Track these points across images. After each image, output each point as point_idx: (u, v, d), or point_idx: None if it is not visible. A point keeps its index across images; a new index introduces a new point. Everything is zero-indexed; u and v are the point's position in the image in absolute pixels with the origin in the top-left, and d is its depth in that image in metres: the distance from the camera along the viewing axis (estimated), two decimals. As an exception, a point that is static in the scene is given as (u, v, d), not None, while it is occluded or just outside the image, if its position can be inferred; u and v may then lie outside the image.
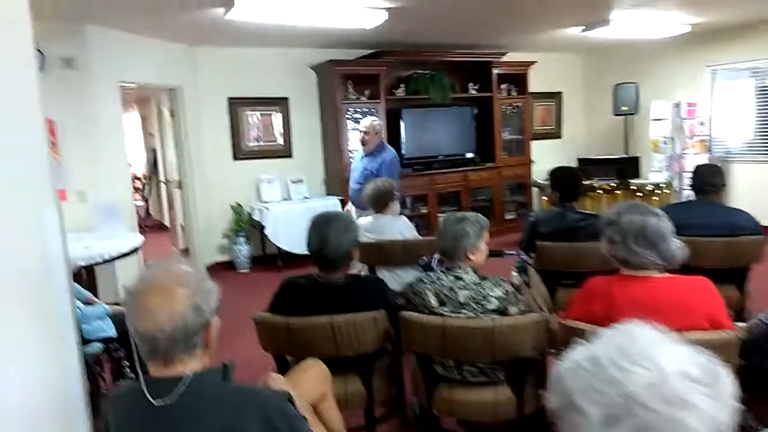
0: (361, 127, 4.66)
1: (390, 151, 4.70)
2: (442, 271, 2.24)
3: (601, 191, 6.26)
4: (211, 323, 1.27)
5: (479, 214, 2.42)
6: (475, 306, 2.14)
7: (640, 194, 6.13)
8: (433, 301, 2.17)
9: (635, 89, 6.88)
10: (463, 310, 2.14)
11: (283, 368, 2.31)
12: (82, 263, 3.47)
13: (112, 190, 4.64)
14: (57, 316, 1.45)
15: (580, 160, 7.00)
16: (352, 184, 4.69)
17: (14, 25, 1.44)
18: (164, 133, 6.05)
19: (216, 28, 4.86)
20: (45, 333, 1.45)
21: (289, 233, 5.59)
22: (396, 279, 3.56)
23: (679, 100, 6.54)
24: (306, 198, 6.19)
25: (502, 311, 2.16)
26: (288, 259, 5.77)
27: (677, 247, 1.83)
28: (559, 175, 3.38)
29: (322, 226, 2.24)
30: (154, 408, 1.18)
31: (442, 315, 2.13)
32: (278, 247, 5.79)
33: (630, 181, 6.29)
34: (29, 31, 1.50)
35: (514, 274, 2.85)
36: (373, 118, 4.91)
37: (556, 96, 8.01)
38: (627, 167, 6.59)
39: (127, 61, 4.89)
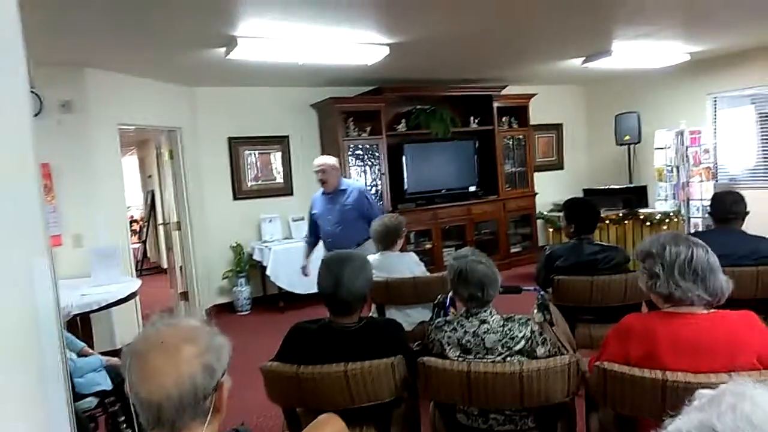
0: (315, 167, 4.05)
1: (355, 184, 4.34)
2: (462, 315, 2.09)
3: (608, 221, 6.14)
4: (223, 384, 1.12)
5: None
6: (501, 350, 1.99)
7: (649, 223, 6.01)
8: (455, 353, 2.02)
9: (637, 118, 6.85)
10: (489, 356, 1.99)
11: (293, 422, 2.14)
12: (77, 311, 3.32)
13: (109, 234, 4.51)
14: (45, 377, 1.30)
15: (586, 191, 6.90)
16: (327, 228, 4.11)
17: (7, 70, 1.33)
18: (163, 174, 5.95)
19: (216, 68, 4.83)
20: (32, 395, 1.29)
21: (290, 273, 5.43)
22: (406, 319, 3.40)
23: (681, 128, 6.50)
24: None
25: (528, 353, 2.01)
26: (289, 299, 5.60)
27: (725, 280, 1.69)
28: (575, 206, 3.26)
29: (335, 267, 2.10)
30: None
31: (466, 361, 1.97)
32: (279, 287, 5.62)
33: (638, 210, 6.18)
34: (23, 76, 1.40)
35: (535, 311, 2.69)
36: (326, 156, 4.30)
37: (557, 127, 8.00)
38: (634, 197, 6.48)
39: (126, 104, 4.83)
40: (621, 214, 6.18)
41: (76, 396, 2.52)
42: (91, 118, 4.49)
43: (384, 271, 3.41)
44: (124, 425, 2.62)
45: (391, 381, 2.03)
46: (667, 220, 6.04)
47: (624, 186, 6.88)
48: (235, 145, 5.93)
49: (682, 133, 6.49)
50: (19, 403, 1.29)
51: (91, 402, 2.54)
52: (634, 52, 5.55)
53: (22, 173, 1.33)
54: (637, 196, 6.57)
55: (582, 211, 3.22)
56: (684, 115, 6.71)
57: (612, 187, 6.88)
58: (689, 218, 6.45)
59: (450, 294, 2.64)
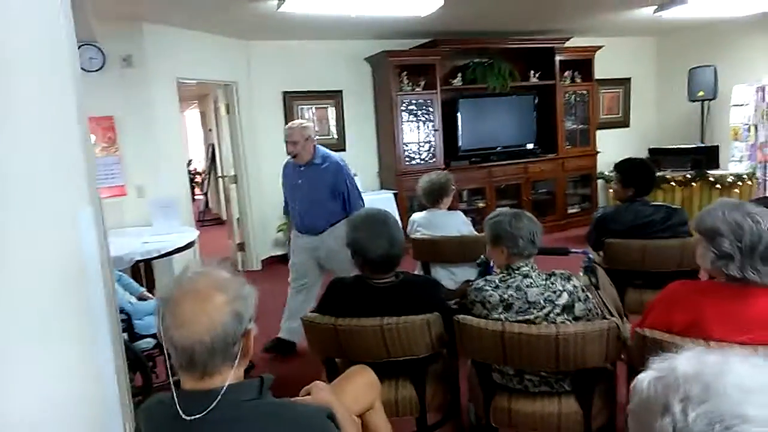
0: (285, 135, 3.38)
1: (334, 156, 3.52)
2: (504, 272, 2.06)
3: (674, 183, 5.82)
4: (250, 331, 1.17)
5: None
6: (544, 303, 1.97)
7: (719, 186, 5.66)
8: (497, 312, 2.01)
9: (713, 72, 6.34)
10: (532, 310, 1.97)
11: (332, 372, 2.21)
12: (139, 257, 3.52)
13: (170, 186, 4.71)
14: (92, 319, 1.39)
15: (651, 150, 6.54)
16: (295, 204, 3.56)
17: (52, 19, 1.37)
18: (221, 128, 6.10)
19: (269, 22, 4.83)
20: (78, 338, 1.39)
21: (343, 228, 5.50)
22: (451, 277, 3.40)
23: (763, 83, 5.98)
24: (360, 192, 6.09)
25: (570, 307, 1.98)
26: (342, 253, 5.70)
27: None
28: (630, 167, 3.10)
29: (380, 226, 2.09)
30: (185, 422, 1.09)
31: (503, 320, 1.96)
32: (332, 242, 5.72)
33: (708, 172, 5.81)
34: (69, 27, 1.44)
35: (581, 274, 2.63)
36: (299, 121, 3.59)
37: (624, 82, 7.55)
38: (704, 157, 6.09)
39: (183, 58, 4.94)
40: (689, 176, 5.85)
41: (136, 336, 2.71)
42: (151, 72, 4.63)
43: (430, 229, 3.40)
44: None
45: (427, 337, 2.05)
46: (739, 183, 5.66)
47: (694, 146, 6.46)
48: (290, 99, 5.97)
49: (763, 89, 5.98)
50: (68, 343, 1.39)
51: (149, 342, 2.71)
52: (712, -1, 5.10)
53: (66, 124, 1.39)
54: (708, 156, 6.17)
55: (639, 172, 3.06)
56: (767, 68, 6.16)
57: (681, 146, 6.48)
58: (766, 181, 6.01)
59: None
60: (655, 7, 5.38)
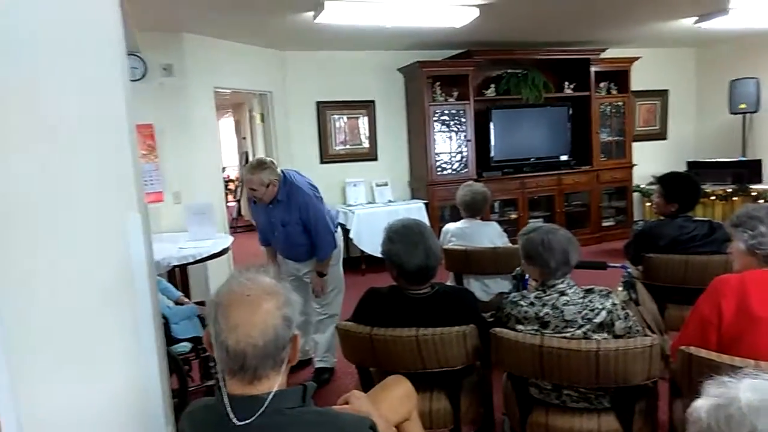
0: (246, 183, 3.08)
1: (301, 186, 3.13)
2: (539, 289, 2.03)
3: (714, 197, 5.66)
4: (296, 336, 1.18)
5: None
6: (582, 322, 1.92)
7: (762, 201, 5.48)
8: (533, 327, 1.97)
9: (756, 84, 6.18)
10: (569, 328, 1.93)
11: (366, 380, 2.21)
12: (176, 263, 3.58)
13: (205, 192, 4.79)
14: (138, 323, 1.42)
15: (690, 164, 6.38)
16: (271, 237, 3.30)
17: (104, 31, 1.42)
18: (255, 136, 6.20)
19: (305, 32, 4.90)
20: (125, 341, 1.42)
21: (372, 237, 5.51)
22: (484, 289, 3.38)
23: (809, 95, 5.80)
24: (390, 201, 6.12)
25: (609, 326, 1.93)
26: (371, 262, 5.70)
27: None
28: (675, 181, 3.01)
29: (416, 237, 2.06)
30: (233, 427, 1.09)
31: (540, 334, 1.93)
32: (362, 251, 5.74)
33: (750, 186, 5.63)
34: (119, 38, 1.48)
35: (620, 289, 2.57)
36: (259, 161, 3.11)
37: (662, 94, 7.40)
38: (746, 171, 5.92)
39: (221, 68, 5.04)
40: (729, 190, 5.68)
41: (172, 340, 2.75)
42: (190, 81, 4.74)
43: (465, 240, 3.39)
44: (214, 370, 2.82)
45: (462, 349, 2.03)
46: (783, 198, 5.48)
47: (735, 159, 6.29)
48: (323, 109, 6.03)
49: (809, 101, 5.79)
50: (116, 343, 1.43)
51: (185, 346, 2.75)
52: (755, 9, 4.96)
53: (117, 134, 1.43)
54: (750, 170, 5.99)
55: (684, 187, 2.98)
56: (813, 80, 5.97)
57: (721, 160, 6.31)
58: (811, 197, 5.80)
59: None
60: (696, 17, 5.27)
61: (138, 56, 4.48)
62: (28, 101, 1.33)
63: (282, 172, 3.12)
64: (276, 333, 1.11)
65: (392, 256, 2.06)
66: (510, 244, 3.50)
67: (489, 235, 3.43)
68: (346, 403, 1.46)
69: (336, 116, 6.10)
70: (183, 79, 4.69)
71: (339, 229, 3.40)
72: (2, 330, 1.31)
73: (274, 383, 1.13)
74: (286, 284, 1.21)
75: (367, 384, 2.15)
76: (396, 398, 1.74)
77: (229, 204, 9.98)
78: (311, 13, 4.27)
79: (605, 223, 6.88)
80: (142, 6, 3.74)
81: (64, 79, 1.36)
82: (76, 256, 1.36)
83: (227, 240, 4.15)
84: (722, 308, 1.74)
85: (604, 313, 1.94)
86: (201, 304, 3.23)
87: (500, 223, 3.80)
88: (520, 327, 2.01)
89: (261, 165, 3.02)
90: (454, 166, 6.20)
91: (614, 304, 1.97)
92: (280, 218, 3.11)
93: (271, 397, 1.10)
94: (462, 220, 3.49)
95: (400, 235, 2.08)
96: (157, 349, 1.50)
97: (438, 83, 6.05)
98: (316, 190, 3.20)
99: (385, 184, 6.22)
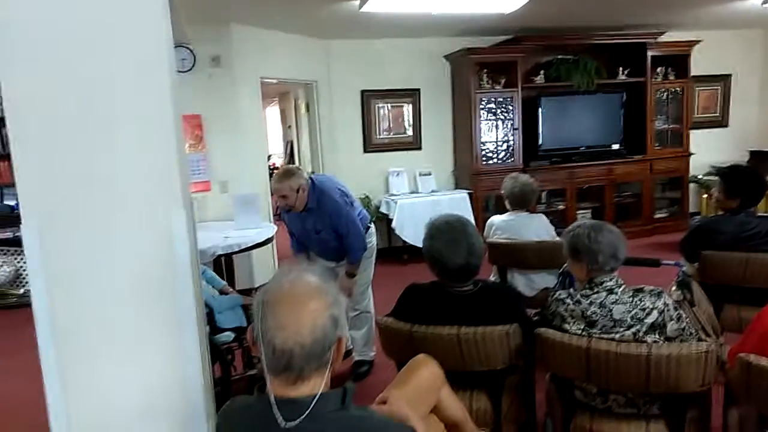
0: (276, 192, 3.04)
1: (330, 190, 3.09)
2: (586, 287, 1.95)
3: (778, 190, 5.33)
4: (342, 338, 1.17)
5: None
6: (631, 322, 1.84)
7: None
8: (579, 326, 1.90)
9: (829, 68, 5.76)
10: (618, 328, 1.85)
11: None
12: (221, 252, 3.65)
13: (251, 182, 4.87)
14: (181, 318, 1.44)
15: (753, 153, 6.04)
16: (315, 246, 3.28)
17: (151, 23, 1.43)
18: (300, 125, 6.25)
19: (350, 21, 4.87)
20: (168, 336, 1.45)
21: (415, 227, 5.48)
22: (529, 284, 3.30)
23: None
24: (434, 191, 6.05)
25: (660, 327, 1.84)
26: (413, 252, 5.67)
27: None
28: (737, 176, 2.84)
29: (459, 234, 2.01)
30: (275, 430, 1.08)
31: (588, 336, 1.86)
32: (404, 240, 5.72)
33: (819, 178, 5.28)
34: (165, 30, 1.49)
35: (674, 289, 2.45)
36: (286, 170, 3.11)
37: (723, 79, 7.00)
38: (815, 161, 5.55)
39: (267, 57, 5.08)
40: (796, 182, 5.34)
41: (216, 329, 2.81)
42: (237, 71, 4.80)
43: (511, 233, 3.31)
44: (257, 360, 2.87)
45: (505, 349, 1.98)
46: None
47: (803, 148, 5.90)
48: (368, 98, 6.01)
49: None
50: (159, 335, 1.46)
51: (228, 336, 2.80)
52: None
53: (163, 129, 1.44)
54: (820, 160, 5.62)
55: (749, 182, 2.80)
56: None
57: (787, 149, 5.94)
58: None
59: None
60: (764, -3, 4.94)
61: (188, 48, 4.56)
62: (73, 97, 1.36)
63: (311, 179, 3.10)
64: (324, 333, 1.09)
65: (434, 254, 2.02)
66: (557, 238, 3.40)
67: (536, 228, 3.34)
68: (384, 402, 1.44)
69: (380, 105, 6.07)
70: (230, 69, 4.75)
71: (372, 228, 3.38)
72: (51, 324, 1.36)
73: (317, 385, 1.11)
74: (333, 283, 1.19)
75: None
76: (424, 382, 1.70)
77: (275, 191, 10.16)
78: (357, 2, 4.23)
79: (658, 215, 6.61)
80: (192, -1, 3.80)
81: (109, 75, 1.38)
82: (120, 252, 1.40)
83: (271, 229, 4.20)
84: None
85: (655, 313, 1.85)
86: (245, 292, 3.29)
87: (547, 214, 3.69)
88: (566, 326, 1.94)
89: (288, 172, 3.03)
90: (500, 155, 6.07)
91: (666, 304, 1.88)
92: (313, 226, 3.11)
93: (315, 401, 1.09)
94: (508, 213, 3.41)
95: (441, 232, 2.03)
96: (199, 344, 1.52)
97: (485, 70, 5.91)
98: (345, 195, 3.17)
99: (429, 174, 6.15)
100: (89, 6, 1.35)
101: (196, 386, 1.51)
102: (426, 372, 1.74)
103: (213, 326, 2.74)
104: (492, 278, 3.45)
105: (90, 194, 1.37)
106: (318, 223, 3.09)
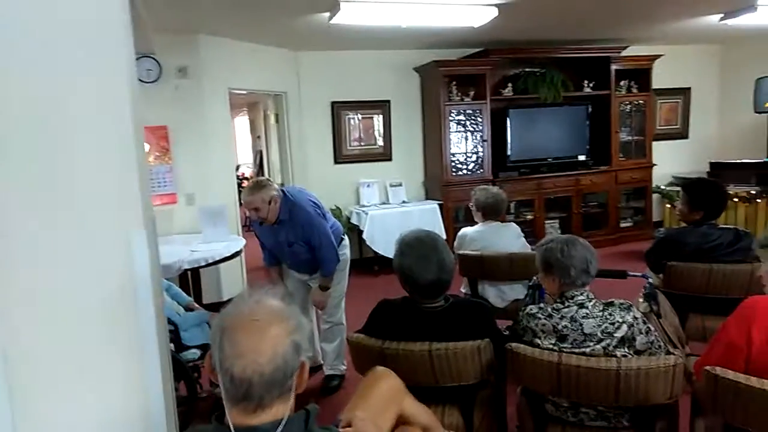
0: (247, 205, 2.99)
1: (301, 201, 3.06)
2: (557, 301, 1.96)
3: (737, 200, 5.51)
4: (305, 363, 1.13)
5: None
6: (601, 336, 1.85)
7: (787, 204, 5.32)
8: (550, 340, 1.91)
9: (783, 83, 5.99)
10: (588, 342, 1.86)
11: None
12: (187, 266, 3.57)
13: (219, 194, 4.78)
14: (142, 340, 1.38)
15: (713, 165, 6.23)
16: (287, 258, 3.26)
17: (104, 33, 1.37)
18: (269, 136, 6.18)
19: (320, 33, 4.85)
20: (127, 359, 1.39)
21: (385, 237, 5.47)
22: (500, 295, 3.31)
23: (839, 94, 5.60)
24: (404, 202, 6.06)
25: (630, 341, 1.86)
26: (384, 263, 5.65)
27: None
28: (701, 189, 2.90)
29: (429, 251, 1.99)
30: None
31: (558, 350, 1.86)
32: (375, 252, 5.69)
33: (775, 188, 5.48)
34: (124, 40, 1.43)
35: (641, 300, 2.48)
36: (256, 181, 3.09)
37: (684, 92, 7.23)
38: (772, 173, 5.75)
39: (236, 69, 5.02)
40: (754, 192, 5.52)
41: (182, 347, 2.73)
42: (205, 82, 4.72)
43: (486, 242, 3.31)
44: (215, 387, 2.79)
45: (477, 364, 1.97)
46: (811, 201, 5.31)
47: (761, 160, 6.11)
48: (338, 109, 5.99)
49: (839, 101, 5.60)
50: (120, 356, 1.40)
51: (194, 353, 2.73)
52: (785, 6, 4.80)
53: (122, 146, 1.40)
54: (776, 172, 5.82)
55: (712, 194, 2.87)
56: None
57: (745, 161, 6.13)
58: (840, 199, 5.61)
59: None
60: (721, 14, 5.12)
61: (153, 58, 4.47)
62: (22, 111, 1.29)
63: (282, 190, 3.07)
64: (284, 360, 1.06)
65: (404, 271, 2.00)
66: (528, 246, 3.43)
67: (509, 236, 3.37)
68: (349, 424, 1.41)
69: (350, 116, 6.05)
70: (198, 80, 4.68)
71: (346, 240, 3.36)
72: (3, 347, 1.29)
73: (280, 412, 1.08)
74: (296, 307, 1.16)
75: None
76: (385, 395, 1.66)
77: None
78: (326, 14, 4.22)
79: (623, 224, 6.75)
80: (157, 8, 3.72)
81: (62, 88, 1.32)
82: (76, 272, 1.33)
83: (239, 243, 4.13)
84: (752, 335, 1.63)
85: (624, 327, 1.87)
86: (213, 306, 3.21)
87: (516, 224, 3.72)
88: (537, 341, 1.94)
89: (258, 184, 3.00)
90: (470, 167, 6.12)
91: (635, 318, 1.90)
92: (286, 238, 3.07)
93: (280, 430, 1.05)
94: (480, 223, 3.42)
95: (411, 249, 2.02)
96: (161, 364, 1.46)
97: (454, 82, 5.97)
98: (317, 206, 3.15)
99: (399, 185, 6.16)
100: (38, 11, 1.29)
101: (158, 415, 1.45)
102: (385, 386, 1.70)
103: (178, 343, 2.66)
104: (462, 290, 3.45)
105: (43, 213, 1.30)
106: (290, 235, 3.04)
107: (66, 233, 1.32)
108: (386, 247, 5.51)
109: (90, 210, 1.34)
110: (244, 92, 5.71)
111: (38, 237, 1.31)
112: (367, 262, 5.92)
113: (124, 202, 1.37)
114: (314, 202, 3.15)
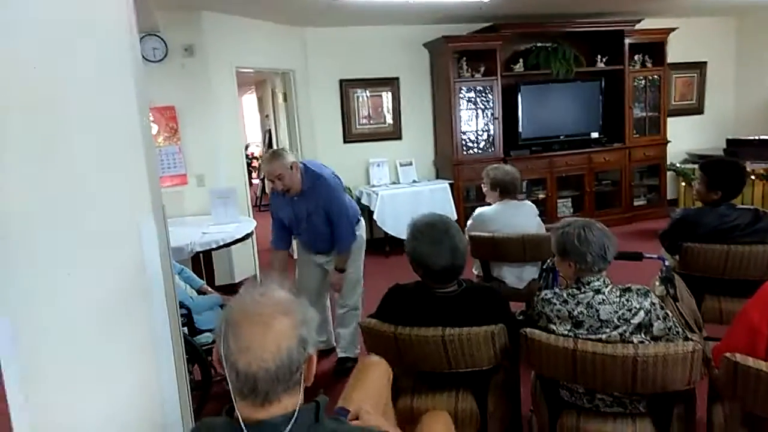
0: (270, 175, 2.94)
1: (324, 174, 3.06)
2: (573, 287, 1.93)
3: (754, 177, 5.41)
4: (312, 357, 1.11)
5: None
6: (618, 322, 1.82)
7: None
8: (565, 327, 1.88)
9: (802, 56, 5.83)
10: (605, 329, 1.83)
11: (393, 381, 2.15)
12: (199, 249, 3.56)
13: (228, 175, 4.76)
14: (153, 322, 1.38)
15: (730, 141, 6.11)
16: (304, 235, 3.21)
17: (107, 13, 1.33)
18: (278, 115, 6.12)
19: (326, 8, 4.75)
20: (140, 355, 1.39)
21: (396, 218, 5.44)
22: (518, 275, 3.27)
23: None
24: (415, 181, 6.00)
25: (647, 326, 1.83)
26: (395, 243, 5.63)
27: None
28: (719, 169, 2.83)
29: (442, 235, 1.97)
30: None
31: (574, 337, 1.83)
32: (385, 232, 5.67)
33: (793, 165, 5.38)
34: (127, 21, 1.39)
35: (657, 284, 2.44)
36: (276, 154, 3.02)
37: (699, 66, 7.06)
38: (789, 149, 5.64)
39: (242, 46, 4.93)
40: (771, 169, 5.43)
41: (196, 330, 2.74)
42: (211, 61, 4.65)
43: (504, 221, 3.24)
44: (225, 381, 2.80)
45: (491, 349, 1.96)
46: (829, 178, 5.21)
47: (778, 136, 5.99)
48: (346, 87, 5.91)
49: None
50: (131, 342, 1.40)
51: (208, 337, 2.74)
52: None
53: (129, 131, 1.37)
54: (794, 147, 5.70)
55: (731, 175, 2.80)
56: None
57: (763, 137, 6.01)
58: None
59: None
60: (740, -15, 4.96)
61: (159, 36, 4.41)
62: (24, 99, 1.26)
63: (303, 162, 3.07)
64: (290, 355, 1.04)
65: (417, 256, 1.98)
66: (543, 225, 3.39)
67: (526, 214, 3.33)
68: (356, 417, 1.40)
69: (359, 93, 5.97)
70: (204, 59, 4.61)
71: (362, 222, 3.33)
72: (16, 335, 1.29)
73: (289, 406, 1.07)
74: (304, 300, 1.14)
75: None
76: (378, 382, 1.67)
77: (254, 182, 10.00)
78: (333, -11, 4.13)
79: (637, 202, 6.67)
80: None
81: (64, 72, 1.29)
82: (86, 265, 1.32)
83: (250, 224, 4.12)
84: None
85: (642, 314, 1.84)
86: (226, 288, 3.21)
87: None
88: (552, 326, 1.92)
89: (276, 152, 3.02)
90: (481, 145, 6.04)
91: (653, 304, 1.87)
92: (305, 209, 3.04)
93: (291, 425, 1.04)
94: (498, 203, 3.35)
95: (424, 233, 1.99)
96: (173, 351, 1.46)
97: (464, 58, 5.86)
98: (338, 179, 3.16)
99: (410, 164, 6.10)
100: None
101: (171, 402, 1.45)
102: (378, 372, 1.72)
103: (192, 327, 2.66)
104: (474, 271, 3.42)
105: (50, 206, 1.28)
106: (311, 205, 3.02)
107: (72, 225, 1.31)
108: (397, 228, 5.49)
109: (95, 199, 1.32)
110: (251, 70, 5.64)
111: (44, 230, 1.29)
112: (378, 243, 5.90)
113: (131, 189, 1.35)
114: (335, 175, 3.15)
